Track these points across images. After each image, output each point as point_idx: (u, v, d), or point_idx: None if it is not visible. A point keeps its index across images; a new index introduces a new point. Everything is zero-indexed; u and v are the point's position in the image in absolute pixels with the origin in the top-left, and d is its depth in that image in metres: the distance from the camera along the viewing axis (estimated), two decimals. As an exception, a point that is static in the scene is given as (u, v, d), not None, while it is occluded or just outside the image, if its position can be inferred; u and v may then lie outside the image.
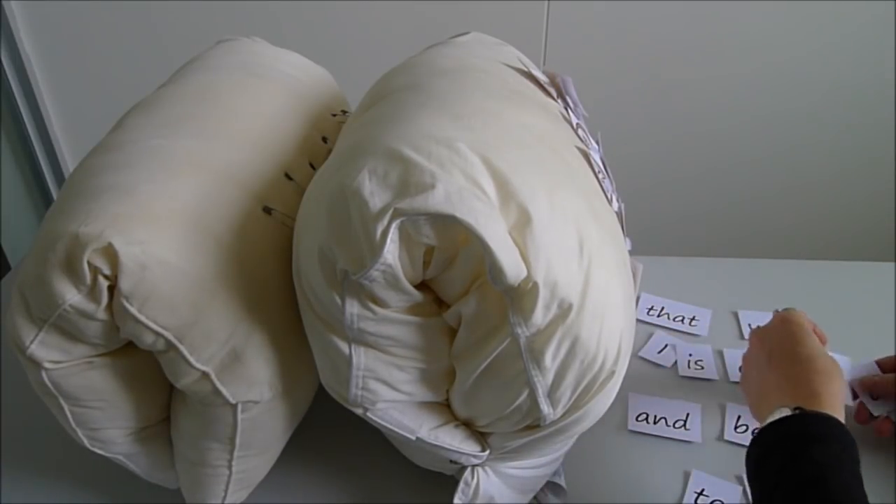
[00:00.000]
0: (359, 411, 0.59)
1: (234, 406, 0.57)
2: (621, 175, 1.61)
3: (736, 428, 0.75)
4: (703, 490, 0.69)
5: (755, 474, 0.55)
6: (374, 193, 0.48)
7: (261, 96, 0.71)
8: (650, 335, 0.88)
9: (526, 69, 0.72)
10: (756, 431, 0.57)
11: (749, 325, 0.89)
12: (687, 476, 0.70)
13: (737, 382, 0.81)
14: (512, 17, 1.44)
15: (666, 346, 0.87)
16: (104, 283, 0.50)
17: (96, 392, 0.57)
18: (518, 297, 0.49)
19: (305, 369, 0.62)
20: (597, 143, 0.73)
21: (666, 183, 1.65)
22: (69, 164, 1.70)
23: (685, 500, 0.68)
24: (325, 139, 0.74)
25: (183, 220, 0.54)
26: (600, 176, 0.65)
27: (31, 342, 0.52)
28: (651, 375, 0.83)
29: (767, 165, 1.61)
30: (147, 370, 0.59)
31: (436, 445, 0.60)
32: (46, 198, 1.72)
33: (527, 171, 0.51)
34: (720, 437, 0.75)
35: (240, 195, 0.59)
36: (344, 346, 0.54)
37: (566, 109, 0.71)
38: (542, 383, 0.52)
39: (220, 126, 0.65)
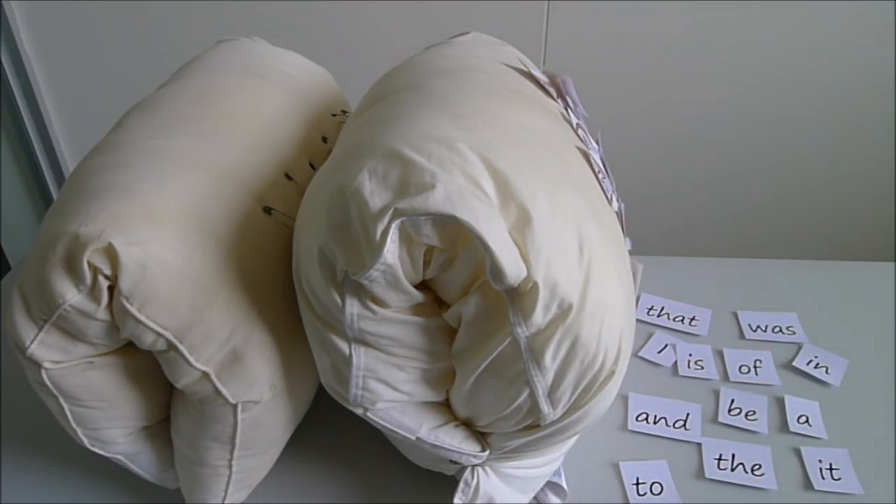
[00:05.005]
0: (359, 411, 0.59)
1: (235, 406, 0.57)
2: (621, 175, 1.62)
3: (730, 411, 0.77)
4: (637, 479, 0.70)
5: None
6: (374, 193, 0.48)
7: (261, 96, 0.71)
8: (650, 335, 0.88)
9: (526, 69, 0.72)
10: None
11: (749, 325, 0.89)
12: (686, 476, 0.70)
13: (737, 382, 0.81)
14: (512, 17, 1.44)
15: (666, 346, 0.87)
16: (104, 283, 0.50)
17: (96, 392, 0.57)
18: (518, 297, 0.49)
19: (305, 369, 0.62)
20: (597, 143, 0.73)
21: (665, 183, 1.65)
22: (69, 164, 1.70)
23: (628, 494, 0.69)
24: (325, 139, 0.74)
25: (183, 220, 0.54)
26: (600, 176, 0.65)
27: (32, 342, 0.52)
28: (651, 375, 0.83)
29: (767, 165, 1.61)
30: (147, 370, 0.59)
31: (436, 445, 0.60)
32: (46, 198, 1.72)
33: (527, 171, 0.51)
34: (714, 420, 0.76)
35: (240, 195, 0.59)
36: (344, 346, 0.54)
37: (566, 109, 0.71)
38: (542, 383, 0.52)
39: (220, 126, 0.65)
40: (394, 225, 0.47)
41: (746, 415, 0.77)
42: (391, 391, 0.57)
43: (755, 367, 0.83)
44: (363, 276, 0.49)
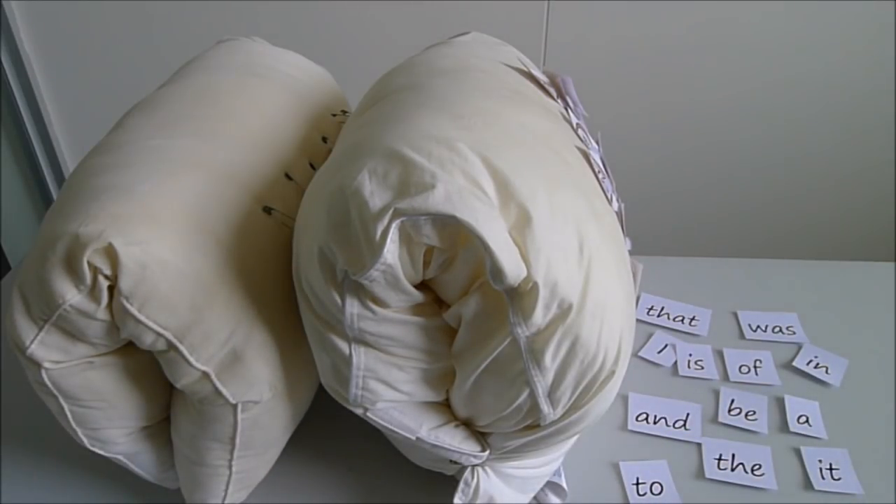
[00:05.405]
0: (359, 411, 0.59)
1: (235, 406, 0.57)
2: (621, 175, 1.62)
3: (730, 411, 0.77)
4: (637, 479, 0.70)
5: None
6: (374, 193, 0.48)
7: (261, 96, 0.71)
8: (650, 335, 0.88)
9: (526, 69, 0.72)
10: None
11: (749, 325, 0.89)
12: (686, 476, 0.70)
13: (737, 382, 0.81)
14: (512, 17, 1.44)
15: (666, 346, 0.87)
16: (104, 283, 0.50)
17: (96, 392, 0.57)
18: (518, 297, 0.49)
19: (305, 369, 0.62)
20: (597, 143, 0.73)
21: (666, 183, 1.65)
22: (69, 164, 1.70)
23: (628, 495, 0.69)
24: (325, 139, 0.74)
25: (183, 220, 0.54)
26: (600, 176, 0.65)
27: (32, 342, 0.52)
28: (651, 375, 0.83)
29: (768, 165, 1.62)
30: (147, 370, 0.59)
31: (436, 445, 0.60)
32: (46, 198, 1.72)
33: (527, 171, 0.51)
34: (714, 420, 0.76)
35: (240, 195, 0.59)
36: (344, 346, 0.54)
37: (566, 109, 0.71)
38: (542, 383, 0.52)
39: (219, 126, 0.65)
40: (394, 225, 0.47)
41: (746, 415, 0.77)
42: (391, 391, 0.57)
43: (755, 367, 0.83)
44: (363, 276, 0.49)
